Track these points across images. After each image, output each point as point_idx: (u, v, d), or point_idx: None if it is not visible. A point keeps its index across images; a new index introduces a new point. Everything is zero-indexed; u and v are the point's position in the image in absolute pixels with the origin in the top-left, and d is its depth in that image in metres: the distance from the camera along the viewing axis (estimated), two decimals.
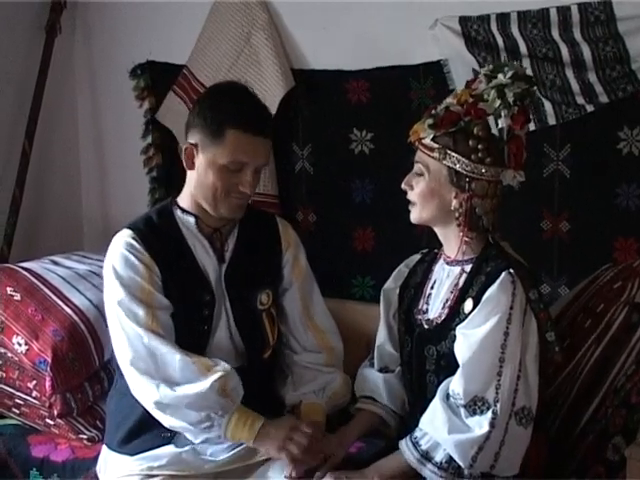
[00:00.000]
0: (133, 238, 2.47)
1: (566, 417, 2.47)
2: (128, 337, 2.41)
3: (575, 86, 2.88)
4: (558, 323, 2.60)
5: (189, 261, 2.51)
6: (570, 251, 3.10)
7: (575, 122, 2.97)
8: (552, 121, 2.98)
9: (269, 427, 2.38)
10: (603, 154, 3.00)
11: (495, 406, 2.18)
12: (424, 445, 2.25)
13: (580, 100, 2.90)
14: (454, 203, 2.31)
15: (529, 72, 2.72)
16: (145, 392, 2.39)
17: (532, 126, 2.92)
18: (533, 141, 2.79)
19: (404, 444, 2.29)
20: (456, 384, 2.23)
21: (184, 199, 2.55)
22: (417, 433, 2.28)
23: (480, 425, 2.18)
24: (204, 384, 2.32)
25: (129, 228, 2.51)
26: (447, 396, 2.26)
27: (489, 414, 2.18)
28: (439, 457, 2.23)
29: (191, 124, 2.48)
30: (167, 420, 2.39)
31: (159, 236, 2.50)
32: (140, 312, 2.40)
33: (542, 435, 2.35)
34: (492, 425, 2.17)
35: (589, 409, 2.44)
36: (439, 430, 2.21)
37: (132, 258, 2.44)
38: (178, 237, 2.52)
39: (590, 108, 2.92)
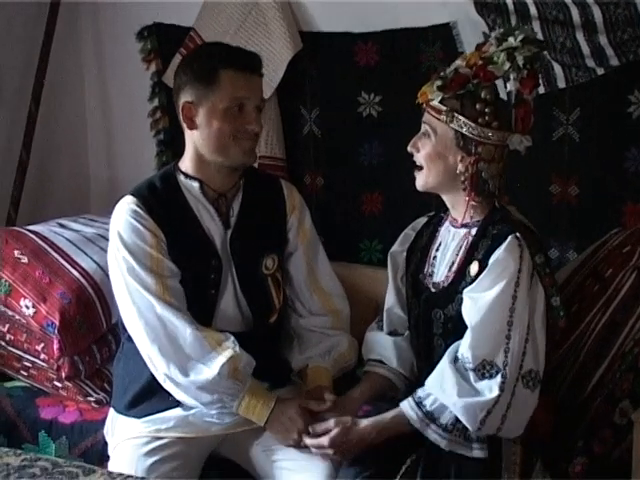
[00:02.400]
0: (137, 205, 2.47)
1: (574, 381, 2.46)
2: (138, 307, 2.42)
3: (585, 49, 2.84)
4: (566, 288, 2.60)
5: (194, 227, 2.51)
6: (579, 215, 3.08)
7: (585, 85, 2.93)
8: (562, 84, 2.95)
9: (278, 412, 2.40)
10: (613, 118, 2.97)
11: (504, 370, 2.18)
12: (429, 406, 2.25)
13: (590, 63, 2.87)
14: (460, 167, 2.30)
15: (539, 35, 2.72)
16: (156, 363, 2.41)
17: (541, 89, 2.88)
18: (542, 104, 2.79)
19: (407, 404, 2.29)
20: (465, 348, 2.24)
21: (186, 164, 2.54)
22: (421, 393, 2.28)
23: (490, 389, 2.18)
24: (214, 369, 2.34)
25: (132, 195, 2.50)
26: (455, 359, 2.26)
27: (498, 378, 2.18)
28: (444, 419, 2.23)
29: (180, 85, 2.47)
30: (178, 395, 2.42)
31: (163, 202, 2.50)
32: (150, 281, 2.41)
33: (549, 399, 2.36)
34: (501, 389, 2.17)
35: (597, 373, 2.43)
36: (448, 393, 2.21)
37: (137, 225, 2.44)
38: (182, 203, 2.51)
39: (600, 71, 2.88)
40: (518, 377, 2.19)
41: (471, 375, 2.21)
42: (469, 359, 2.21)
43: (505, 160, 2.33)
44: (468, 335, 2.23)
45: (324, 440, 2.33)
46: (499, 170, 2.32)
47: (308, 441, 2.37)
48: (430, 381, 2.28)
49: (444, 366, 2.26)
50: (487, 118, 2.26)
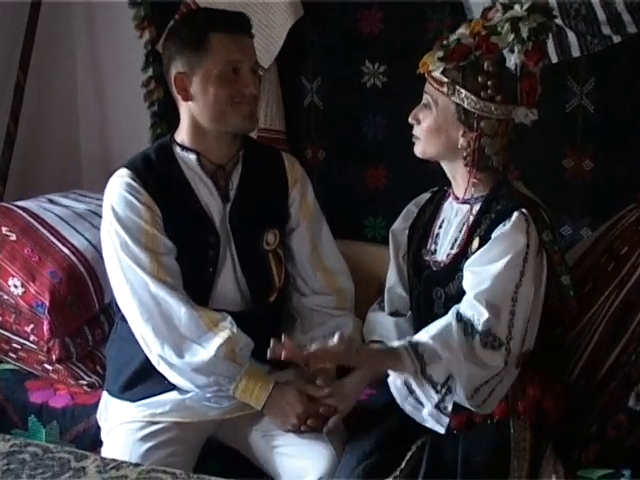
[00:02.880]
0: (131, 178, 2.47)
1: (587, 364, 2.45)
2: (131, 285, 2.43)
3: (601, 15, 2.82)
4: (579, 267, 2.61)
5: (191, 201, 2.51)
6: (593, 191, 3.07)
7: (600, 54, 2.92)
8: (576, 53, 2.93)
9: (276, 396, 2.41)
10: (629, 88, 2.95)
11: (508, 344, 2.20)
12: (427, 359, 2.21)
13: (606, 30, 2.85)
14: (461, 141, 2.31)
15: (552, 1, 2.69)
16: (149, 344, 2.43)
17: (554, 58, 2.89)
18: (555, 74, 2.79)
19: (405, 352, 2.22)
20: (467, 308, 2.23)
21: (183, 135, 2.54)
22: (422, 347, 2.22)
23: (495, 360, 2.20)
24: (210, 350, 2.35)
25: (127, 167, 2.50)
26: (459, 317, 2.25)
27: (503, 350, 2.20)
28: (437, 376, 2.21)
29: (170, 56, 2.48)
30: (172, 378, 2.43)
31: (158, 175, 2.50)
32: (144, 258, 2.42)
33: (560, 386, 2.38)
34: (506, 362, 2.20)
35: (611, 356, 2.43)
36: (454, 352, 2.19)
37: (132, 199, 2.44)
38: (179, 176, 2.51)
39: (617, 39, 2.87)
40: (519, 355, 2.22)
41: (477, 339, 2.21)
42: (479, 322, 2.20)
43: (510, 134, 2.33)
44: (472, 301, 2.23)
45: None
46: (503, 145, 2.32)
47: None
48: (434, 334, 2.23)
49: (450, 323, 2.23)
50: (490, 91, 2.26)
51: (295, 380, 2.52)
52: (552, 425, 2.32)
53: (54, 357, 2.94)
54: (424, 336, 2.24)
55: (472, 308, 2.23)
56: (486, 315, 2.20)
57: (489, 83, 2.25)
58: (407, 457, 2.27)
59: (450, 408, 2.21)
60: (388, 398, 2.36)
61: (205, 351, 2.37)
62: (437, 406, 2.20)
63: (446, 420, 2.21)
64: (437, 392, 2.20)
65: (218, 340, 2.37)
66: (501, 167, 2.34)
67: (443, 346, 2.20)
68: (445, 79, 2.28)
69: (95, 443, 2.65)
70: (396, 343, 2.28)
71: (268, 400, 2.41)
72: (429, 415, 2.23)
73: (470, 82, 2.27)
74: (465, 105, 2.27)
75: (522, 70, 2.26)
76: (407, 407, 2.26)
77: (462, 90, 2.27)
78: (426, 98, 2.34)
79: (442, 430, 2.22)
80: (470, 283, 2.26)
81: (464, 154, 2.31)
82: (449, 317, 2.26)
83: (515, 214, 2.24)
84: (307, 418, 2.40)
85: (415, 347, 2.22)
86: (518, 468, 2.22)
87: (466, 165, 2.32)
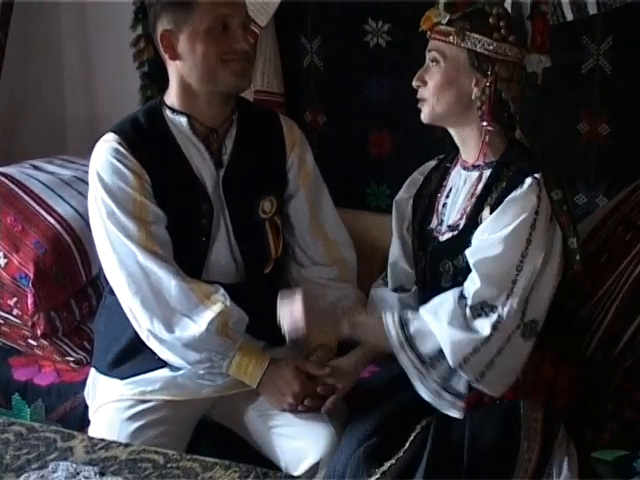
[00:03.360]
0: (119, 143, 2.45)
1: (602, 340, 2.43)
2: (119, 255, 2.42)
3: None
4: (594, 237, 2.60)
5: (182, 166, 2.49)
6: (609, 157, 3.06)
7: (618, 11, 2.89)
8: (592, 10, 2.90)
9: (272, 373, 2.40)
10: None
11: (502, 310, 2.19)
12: (412, 330, 2.24)
13: None
14: (475, 91, 2.29)
15: None
16: (138, 318, 2.42)
17: (569, 16, 2.88)
18: (571, 33, 2.77)
19: (390, 320, 2.27)
20: (468, 284, 2.25)
21: (172, 97, 2.52)
22: (410, 315, 2.27)
23: (482, 327, 2.19)
24: (201, 324, 2.35)
25: (114, 132, 2.48)
26: (462, 295, 2.26)
27: (494, 317, 2.19)
28: (424, 348, 2.23)
29: (156, 14, 2.45)
30: (162, 354, 2.43)
31: (148, 140, 2.48)
32: (132, 227, 2.41)
33: (573, 370, 2.36)
34: (494, 328, 2.18)
35: (628, 331, 2.41)
36: (439, 319, 2.21)
37: (120, 165, 2.43)
38: (169, 140, 2.49)
39: None
40: (519, 325, 2.20)
41: (467, 311, 2.21)
42: (469, 295, 2.22)
43: (524, 84, 2.32)
44: (472, 273, 2.24)
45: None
46: (518, 93, 2.31)
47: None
48: (427, 306, 2.28)
49: (447, 295, 2.26)
50: (503, 31, 2.25)
51: (293, 357, 2.51)
52: (565, 405, 2.31)
53: (39, 332, 2.94)
54: (415, 313, 2.28)
55: (470, 278, 2.24)
56: (478, 284, 2.20)
57: (501, 24, 2.25)
58: (411, 438, 2.26)
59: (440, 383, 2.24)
60: (392, 376, 2.39)
61: (196, 325, 2.36)
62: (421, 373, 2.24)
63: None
64: (423, 364, 2.23)
65: (210, 314, 2.36)
66: (517, 116, 2.33)
67: (431, 315, 2.23)
68: (452, 29, 2.27)
69: (82, 422, 2.65)
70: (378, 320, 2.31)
71: (263, 378, 2.40)
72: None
73: (480, 26, 2.27)
74: (478, 49, 2.26)
75: (533, 9, 2.27)
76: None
77: (473, 34, 2.26)
78: (431, 55, 2.32)
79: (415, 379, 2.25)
80: (473, 251, 2.26)
81: (478, 104, 2.29)
82: (450, 292, 2.27)
83: (527, 180, 2.23)
84: (305, 397, 2.40)
85: (404, 322, 2.26)
86: (528, 450, 2.22)
87: (480, 116, 2.30)
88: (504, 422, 2.25)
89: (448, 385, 2.24)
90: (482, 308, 2.21)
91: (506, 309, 2.19)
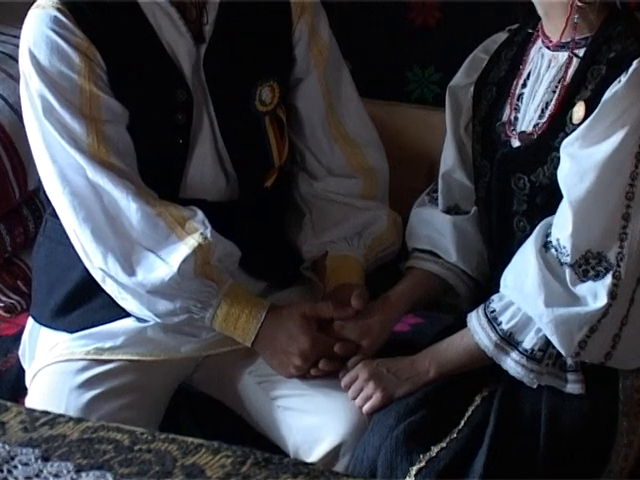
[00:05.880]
0: (58, 9, 2.39)
1: None
2: (61, 168, 2.39)
3: None
4: None
5: (149, 42, 2.45)
6: None
7: None
8: None
9: (272, 326, 2.39)
10: None
11: (619, 267, 2.16)
12: (506, 323, 2.23)
13: None
14: None
15: None
16: (89, 253, 2.39)
17: None
18: None
19: (475, 320, 2.28)
20: (561, 230, 2.20)
21: None
22: (495, 304, 2.27)
23: (595, 295, 2.15)
24: (172, 263, 2.32)
25: None
26: (546, 245, 2.23)
27: (608, 279, 2.15)
28: (529, 342, 2.21)
29: None
30: (124, 303, 2.40)
31: (100, 6, 2.41)
32: (79, 129, 2.37)
33: None
34: (612, 295, 2.14)
35: None
36: (531, 299, 2.18)
37: (60, 41, 2.37)
38: (130, 6, 2.43)
39: None
40: (632, 284, 2.17)
41: (568, 273, 2.17)
42: (567, 249, 2.18)
43: None
44: (567, 212, 2.19)
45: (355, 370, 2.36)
46: None
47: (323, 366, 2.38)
48: (507, 280, 2.26)
49: (528, 256, 2.23)
50: None
51: (300, 302, 2.50)
52: None
53: None
54: (500, 296, 2.28)
55: (566, 229, 2.19)
56: (572, 227, 2.17)
57: None
58: (468, 413, 2.25)
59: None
60: (440, 330, 2.42)
61: (165, 265, 2.33)
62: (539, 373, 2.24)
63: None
64: (538, 362, 2.22)
65: (184, 249, 2.33)
66: None
67: (518, 294, 2.23)
68: None
69: (17, 391, 2.64)
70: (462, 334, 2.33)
71: (260, 332, 2.39)
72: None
73: None
74: None
75: None
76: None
77: None
78: None
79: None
80: (566, 177, 2.21)
81: None
82: (530, 246, 2.24)
83: (634, 65, 2.16)
84: (318, 358, 2.37)
85: (492, 319, 2.26)
86: (629, 431, 2.21)
87: None
88: (597, 394, 2.23)
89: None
90: (587, 262, 2.17)
91: (623, 263, 2.15)
